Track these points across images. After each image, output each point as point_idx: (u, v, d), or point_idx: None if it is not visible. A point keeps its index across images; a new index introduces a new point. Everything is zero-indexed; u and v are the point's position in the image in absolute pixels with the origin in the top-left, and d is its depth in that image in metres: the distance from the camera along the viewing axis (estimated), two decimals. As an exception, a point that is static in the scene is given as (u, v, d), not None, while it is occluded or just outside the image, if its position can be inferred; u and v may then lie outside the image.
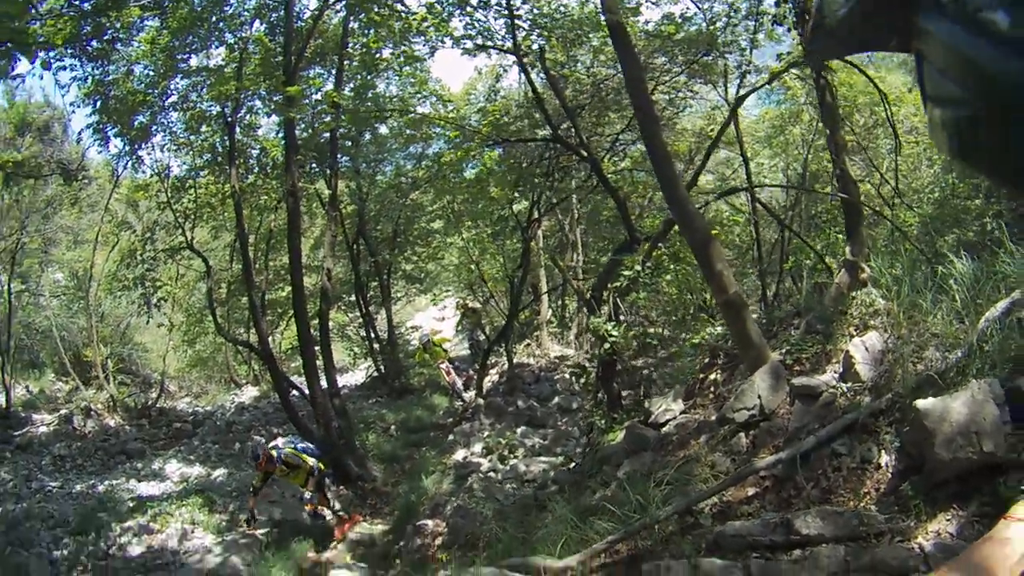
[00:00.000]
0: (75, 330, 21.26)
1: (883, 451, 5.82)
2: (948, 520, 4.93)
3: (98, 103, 14.70)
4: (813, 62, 9.22)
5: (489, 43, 13.09)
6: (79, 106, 15.35)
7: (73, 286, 22.39)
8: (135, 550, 10.97)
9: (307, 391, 14.23)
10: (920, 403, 5.30)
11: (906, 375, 6.16)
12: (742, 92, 12.67)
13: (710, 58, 13.19)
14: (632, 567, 6.48)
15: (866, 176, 15.34)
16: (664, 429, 9.50)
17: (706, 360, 10.34)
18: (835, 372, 7.28)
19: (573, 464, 12.08)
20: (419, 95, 18.77)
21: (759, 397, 7.60)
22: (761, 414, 7.53)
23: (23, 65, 11.97)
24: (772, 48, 13.13)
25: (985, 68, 0.63)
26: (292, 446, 11.03)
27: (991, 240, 7.29)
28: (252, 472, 11.44)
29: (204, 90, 15.18)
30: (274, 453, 10.51)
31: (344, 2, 14.37)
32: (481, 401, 17.30)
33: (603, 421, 11.42)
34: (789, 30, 10.72)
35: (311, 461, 10.88)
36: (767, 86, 13.33)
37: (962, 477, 5.02)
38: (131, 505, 12.46)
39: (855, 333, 7.41)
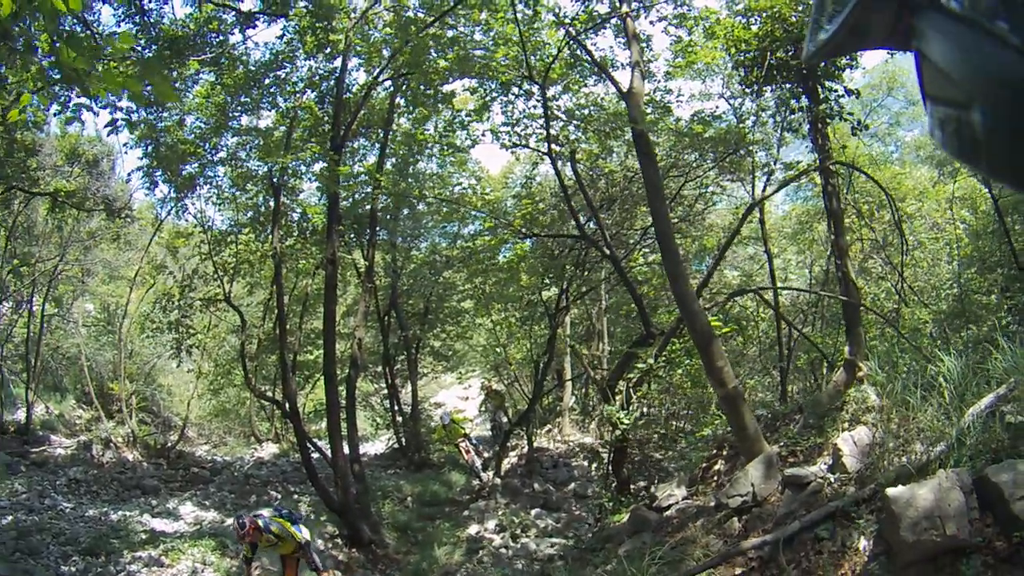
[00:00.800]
0: (102, 362, 21.59)
1: (862, 536, 6.15)
2: (912, 599, 5.25)
3: (150, 147, 15.12)
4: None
5: (524, 143, 13.78)
6: (131, 147, 15.70)
7: (103, 319, 22.86)
8: (143, 579, 11.02)
9: (329, 454, 14.50)
10: (890, 490, 5.68)
11: (889, 467, 6.52)
12: (765, 193, 13.17)
13: (739, 156, 13.71)
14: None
15: (887, 274, 15.65)
16: (666, 513, 9.88)
17: (713, 451, 10.66)
18: (825, 463, 7.64)
19: (581, 544, 12.32)
20: (458, 175, 19.50)
21: (752, 485, 7.99)
22: (754, 500, 7.90)
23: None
24: (801, 145, 13.65)
25: (986, 68, 0.65)
26: (278, 515, 10.33)
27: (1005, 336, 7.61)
28: (239, 543, 10.46)
29: (252, 149, 15.66)
30: (260, 523, 9.82)
31: (391, 79, 15.00)
32: (499, 481, 17.50)
33: (611, 503, 11.76)
34: (804, 138, 11.32)
35: (301, 534, 10.12)
36: (793, 183, 13.83)
37: (928, 559, 5.34)
38: (143, 537, 12.45)
39: (847, 428, 7.79)
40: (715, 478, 9.93)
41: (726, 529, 7.89)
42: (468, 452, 18.05)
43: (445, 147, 16.04)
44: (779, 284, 15.62)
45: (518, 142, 13.63)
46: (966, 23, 0.66)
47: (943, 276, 16.24)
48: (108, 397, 20.41)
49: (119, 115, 10.65)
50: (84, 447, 17.52)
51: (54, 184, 16.67)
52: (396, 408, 21.44)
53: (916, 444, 6.68)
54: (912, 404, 7.03)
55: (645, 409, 13.08)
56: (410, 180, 18.27)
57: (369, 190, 15.67)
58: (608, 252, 13.16)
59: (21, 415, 17.90)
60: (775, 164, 12.86)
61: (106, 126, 12.29)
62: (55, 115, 14.13)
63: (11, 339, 19.66)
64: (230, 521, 14.21)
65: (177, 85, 13.97)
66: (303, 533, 10.13)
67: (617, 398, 11.96)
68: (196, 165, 15.91)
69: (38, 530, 11.65)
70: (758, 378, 17.34)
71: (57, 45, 3.93)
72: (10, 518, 12.06)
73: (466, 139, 15.18)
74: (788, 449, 8.48)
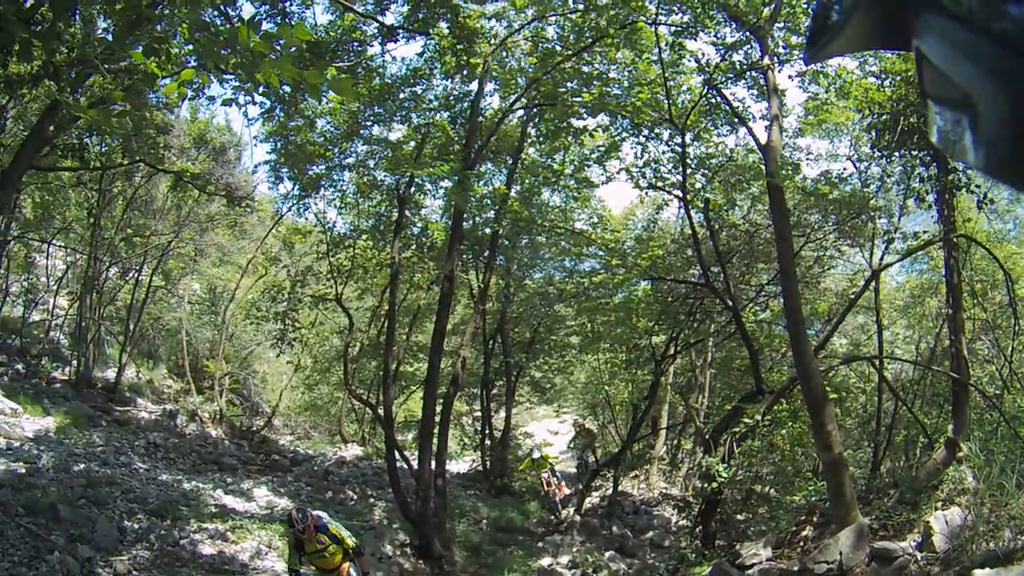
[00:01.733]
0: (201, 339, 22.49)
1: (942, 617, 6.00)
2: None
3: (279, 144, 15.65)
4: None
5: (657, 185, 13.86)
6: (260, 141, 16.05)
7: (208, 299, 23.81)
8: (206, 550, 10.94)
9: (415, 464, 14.73)
10: (977, 572, 5.53)
11: (977, 551, 6.34)
12: (885, 262, 12.88)
13: (861, 221, 13.47)
14: None
15: (994, 357, 15.05)
16: (749, 571, 9.73)
17: (802, 516, 10.48)
18: (915, 540, 7.46)
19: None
20: (580, 210, 19.65)
21: (840, 553, 7.83)
22: (839, 569, 7.76)
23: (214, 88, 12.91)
24: (918, 216, 13.31)
25: (985, 68, 0.63)
26: (337, 517, 9.91)
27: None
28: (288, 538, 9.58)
29: (381, 159, 16.05)
30: (320, 522, 9.16)
31: (524, 108, 15.29)
32: (578, 519, 17.45)
33: (693, 554, 11.65)
34: (930, 207, 11.06)
35: (351, 542, 9.34)
36: (911, 256, 13.49)
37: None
38: (213, 510, 12.59)
39: (941, 507, 7.59)
40: (802, 543, 9.78)
41: (806, 594, 7.78)
42: (550, 485, 18.09)
43: (578, 181, 16.19)
44: (886, 355, 15.20)
45: (652, 183, 13.72)
46: (966, 23, 0.65)
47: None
48: (201, 373, 21.32)
49: (260, 103, 11.08)
50: (169, 415, 18.19)
51: (179, 164, 17.39)
52: (487, 431, 21.64)
53: (1006, 531, 6.49)
54: (1007, 490, 6.84)
55: (738, 469, 12.91)
56: (533, 210, 18.54)
57: (492, 214, 15.90)
58: (730, 303, 13.06)
59: (111, 374, 18.73)
60: (895, 233, 12.59)
61: (262, 114, 12.77)
62: (189, 99, 14.90)
63: (114, 302, 20.51)
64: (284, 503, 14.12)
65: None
66: (352, 542, 9.35)
67: (718, 451, 11.88)
68: (323, 167, 16.40)
69: (108, 483, 11.85)
70: (851, 452, 16.83)
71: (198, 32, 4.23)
72: (82, 466, 12.30)
73: (601, 175, 15.32)
74: (880, 522, 8.35)
